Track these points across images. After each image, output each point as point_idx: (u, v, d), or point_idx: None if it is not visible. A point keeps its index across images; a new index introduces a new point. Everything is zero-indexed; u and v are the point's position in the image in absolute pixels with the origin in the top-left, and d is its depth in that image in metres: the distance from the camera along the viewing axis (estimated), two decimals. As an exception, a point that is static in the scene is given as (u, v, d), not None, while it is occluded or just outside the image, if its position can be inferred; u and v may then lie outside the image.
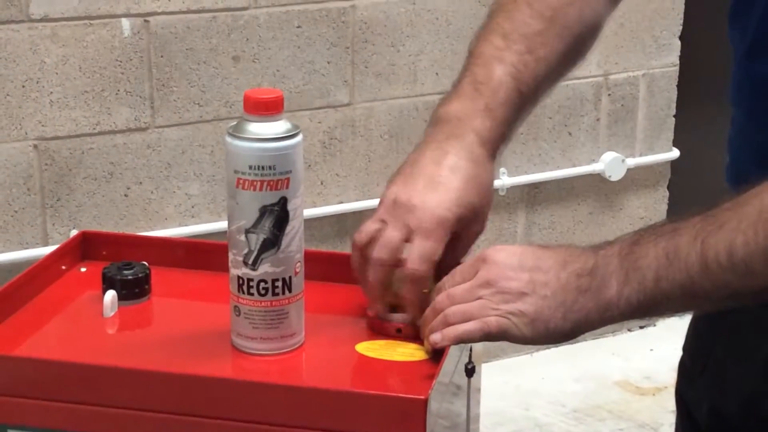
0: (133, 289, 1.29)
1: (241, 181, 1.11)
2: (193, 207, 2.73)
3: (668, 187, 3.46)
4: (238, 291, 1.14)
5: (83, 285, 1.34)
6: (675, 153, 3.39)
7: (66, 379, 1.10)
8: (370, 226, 1.20)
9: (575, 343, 3.63)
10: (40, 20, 2.47)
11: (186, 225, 2.72)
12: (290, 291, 1.15)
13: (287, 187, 1.12)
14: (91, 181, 2.60)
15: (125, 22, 2.55)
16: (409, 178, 1.21)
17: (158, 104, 2.63)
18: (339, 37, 2.81)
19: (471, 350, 1.27)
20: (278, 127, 1.12)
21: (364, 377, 1.16)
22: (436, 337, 1.12)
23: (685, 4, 3.30)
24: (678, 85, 3.35)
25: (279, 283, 1.13)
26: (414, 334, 1.22)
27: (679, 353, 1.40)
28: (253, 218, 1.12)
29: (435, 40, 2.93)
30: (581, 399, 3.07)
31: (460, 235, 1.23)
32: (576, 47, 1.33)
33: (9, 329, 1.22)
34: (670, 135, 3.38)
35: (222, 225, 2.75)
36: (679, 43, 3.32)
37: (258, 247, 1.12)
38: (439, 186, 1.19)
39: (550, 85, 1.33)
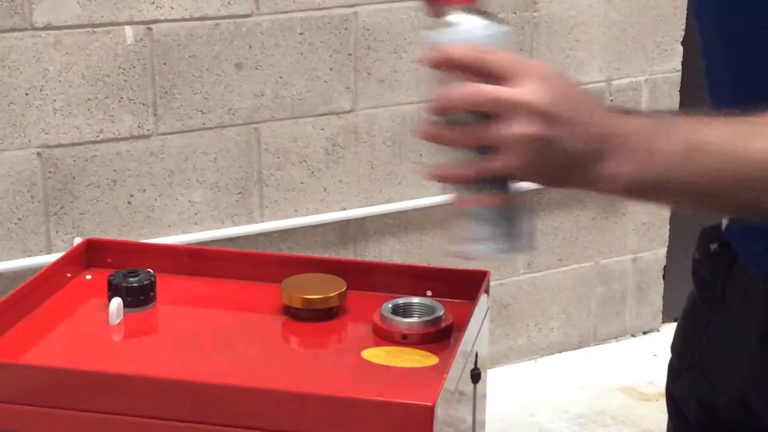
0: (138, 297, 1.29)
1: None
2: (196, 214, 2.73)
3: (671, 193, 3.46)
4: (467, 191, 1.06)
5: (89, 292, 1.35)
6: (678, 158, 3.38)
7: (72, 387, 1.10)
8: None
9: (579, 349, 3.61)
10: (44, 28, 2.47)
11: (189, 232, 2.72)
12: (512, 187, 1.07)
13: None
14: (95, 188, 2.60)
15: (128, 30, 2.56)
16: None
17: (161, 111, 2.64)
18: (341, 44, 2.81)
19: (477, 356, 1.27)
20: (487, 16, 1.07)
21: (370, 384, 1.16)
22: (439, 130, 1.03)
23: (687, 9, 3.30)
24: (680, 91, 3.35)
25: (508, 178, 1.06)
26: (419, 341, 1.22)
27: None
28: None
29: (437, 47, 2.93)
30: (585, 405, 3.07)
31: None
32: None
33: (15, 337, 1.22)
34: (673, 140, 3.38)
35: (225, 232, 2.75)
36: (681, 48, 3.32)
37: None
38: None
39: None
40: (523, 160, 1.00)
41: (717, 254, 1.29)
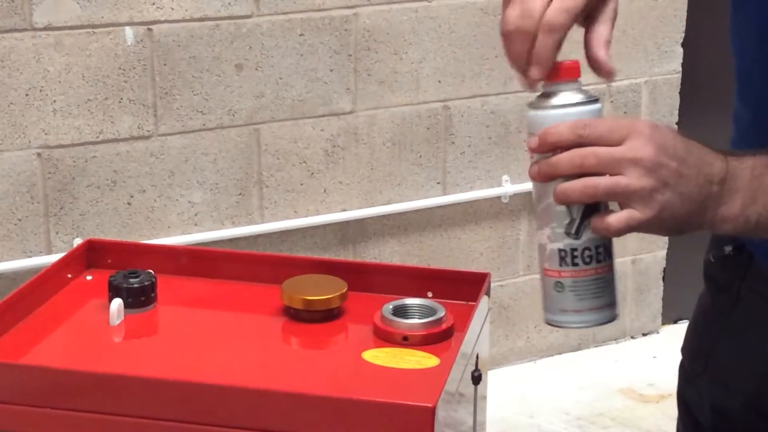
0: (139, 297, 1.29)
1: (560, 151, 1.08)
2: (196, 215, 2.73)
3: (671, 194, 3.45)
4: (560, 265, 1.10)
5: (89, 293, 1.34)
6: (677, 160, 3.38)
7: (73, 388, 1.10)
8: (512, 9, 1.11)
9: (579, 350, 3.61)
10: (44, 29, 2.47)
11: (189, 233, 2.72)
12: (610, 257, 1.11)
13: None
14: (95, 189, 2.60)
15: (128, 31, 2.56)
16: None
17: (161, 112, 2.64)
18: (342, 45, 2.81)
19: (477, 358, 1.27)
20: (582, 92, 1.10)
21: (371, 385, 1.16)
22: (570, 192, 1.06)
23: (687, 11, 3.30)
24: (680, 92, 3.36)
25: (601, 249, 1.09)
26: (420, 342, 1.22)
27: (683, 360, 1.41)
28: None
29: (437, 48, 2.94)
30: (585, 406, 3.07)
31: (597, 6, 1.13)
32: None
33: (15, 337, 1.22)
34: (673, 142, 3.38)
35: (225, 233, 2.75)
36: (681, 50, 3.32)
37: (581, 214, 1.09)
38: None
39: None
40: (649, 213, 1.03)
41: (731, 256, 1.29)
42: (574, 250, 1.09)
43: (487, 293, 1.33)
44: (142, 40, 2.57)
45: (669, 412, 2.92)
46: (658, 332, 3.47)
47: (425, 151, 2.99)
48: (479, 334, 1.29)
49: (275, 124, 2.77)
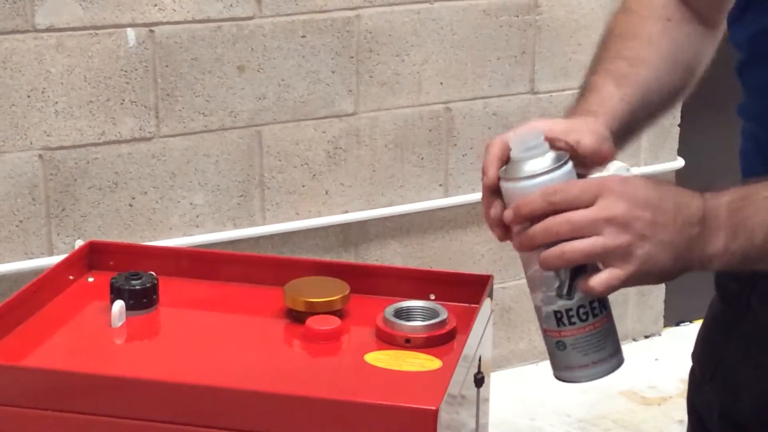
0: (141, 299, 1.29)
1: None
2: (197, 217, 2.73)
3: (673, 197, 3.45)
4: (558, 325, 1.11)
5: (91, 295, 1.34)
6: (680, 162, 3.38)
7: (74, 390, 1.10)
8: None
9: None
10: (46, 30, 2.47)
11: (191, 235, 2.72)
12: (606, 307, 1.12)
13: None
14: (96, 191, 2.60)
15: (130, 32, 2.56)
16: None
17: (163, 114, 2.63)
18: (344, 47, 2.81)
19: (480, 360, 1.27)
20: (550, 156, 1.10)
21: (373, 388, 1.16)
22: (551, 260, 1.07)
23: (690, 13, 3.29)
24: (682, 94, 3.35)
25: (596, 304, 1.11)
26: (423, 345, 1.21)
27: (684, 362, 1.41)
28: None
29: (440, 50, 2.93)
30: (587, 409, 3.07)
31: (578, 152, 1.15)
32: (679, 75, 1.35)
33: (17, 339, 1.22)
34: (675, 144, 3.38)
35: (227, 235, 2.75)
36: (683, 52, 3.32)
37: (568, 276, 1.10)
38: None
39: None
40: (630, 269, 1.04)
41: None
42: (569, 310, 1.10)
43: (490, 295, 1.33)
44: (143, 42, 2.57)
45: (671, 415, 2.91)
46: (659, 335, 3.46)
47: (427, 153, 2.99)
48: (482, 336, 1.29)
49: (277, 126, 2.77)
